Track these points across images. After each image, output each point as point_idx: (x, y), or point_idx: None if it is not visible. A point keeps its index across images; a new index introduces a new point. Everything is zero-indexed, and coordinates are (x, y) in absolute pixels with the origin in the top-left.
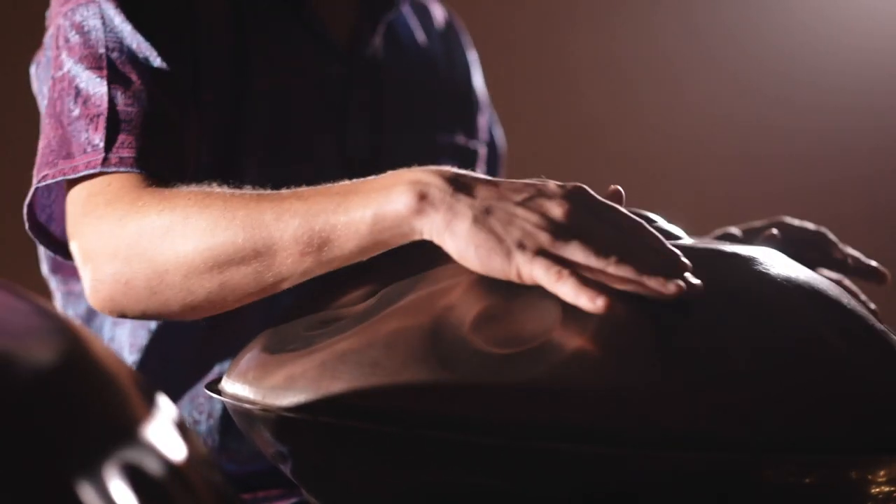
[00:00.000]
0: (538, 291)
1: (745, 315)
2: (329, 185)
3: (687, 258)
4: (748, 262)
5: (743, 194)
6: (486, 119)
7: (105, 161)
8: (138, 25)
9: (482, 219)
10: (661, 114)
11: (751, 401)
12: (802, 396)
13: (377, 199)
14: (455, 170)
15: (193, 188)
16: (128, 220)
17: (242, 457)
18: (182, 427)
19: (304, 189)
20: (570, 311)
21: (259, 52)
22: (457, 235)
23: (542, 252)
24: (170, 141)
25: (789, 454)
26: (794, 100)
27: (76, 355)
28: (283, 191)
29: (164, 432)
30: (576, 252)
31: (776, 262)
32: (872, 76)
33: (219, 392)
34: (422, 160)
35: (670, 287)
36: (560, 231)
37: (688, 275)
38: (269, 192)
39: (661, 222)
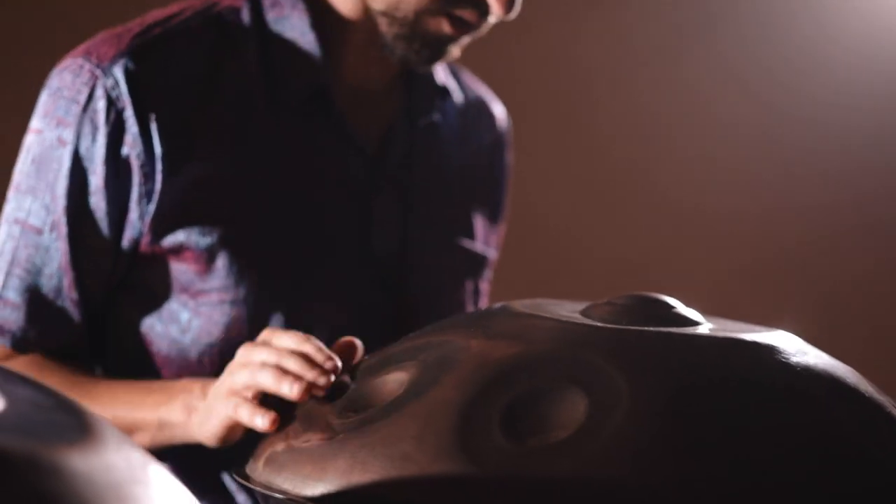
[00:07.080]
0: (566, 384)
1: (763, 405)
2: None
3: (704, 347)
4: (766, 350)
5: (747, 205)
6: (503, 229)
7: None
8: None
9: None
10: (673, 128)
11: (774, 492)
12: (824, 487)
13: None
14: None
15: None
16: None
17: None
18: None
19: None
20: (595, 404)
21: (280, 153)
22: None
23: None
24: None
25: None
26: (798, 111)
27: (86, 439)
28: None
29: None
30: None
31: (794, 349)
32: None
33: (247, 478)
34: (443, 262)
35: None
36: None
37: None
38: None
39: (680, 308)
